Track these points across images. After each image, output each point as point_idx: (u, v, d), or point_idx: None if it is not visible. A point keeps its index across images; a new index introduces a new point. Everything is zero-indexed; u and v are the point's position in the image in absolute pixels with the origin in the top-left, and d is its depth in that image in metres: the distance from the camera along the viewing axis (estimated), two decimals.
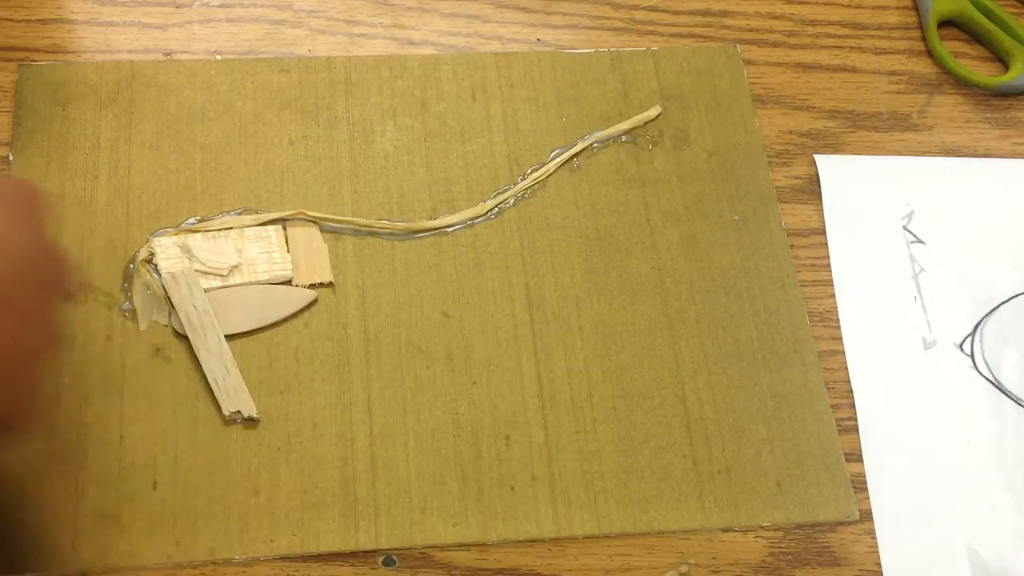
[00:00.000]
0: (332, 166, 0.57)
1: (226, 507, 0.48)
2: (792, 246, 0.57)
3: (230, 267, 0.53)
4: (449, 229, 0.56)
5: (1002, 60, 0.64)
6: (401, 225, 0.55)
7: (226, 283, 0.53)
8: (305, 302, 0.53)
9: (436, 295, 0.54)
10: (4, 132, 0.56)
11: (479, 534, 0.49)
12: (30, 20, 0.59)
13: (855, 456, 0.52)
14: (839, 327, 0.55)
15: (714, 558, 0.50)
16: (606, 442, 0.51)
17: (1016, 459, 0.53)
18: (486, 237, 0.56)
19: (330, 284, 0.54)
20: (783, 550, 0.50)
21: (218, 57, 0.59)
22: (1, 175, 0.49)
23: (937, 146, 0.61)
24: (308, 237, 0.55)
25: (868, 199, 0.59)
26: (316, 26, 0.61)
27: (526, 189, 0.57)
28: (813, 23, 0.65)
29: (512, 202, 0.57)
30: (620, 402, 0.52)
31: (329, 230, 0.55)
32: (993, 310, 0.57)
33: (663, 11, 0.64)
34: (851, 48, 0.64)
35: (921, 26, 0.65)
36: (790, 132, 0.61)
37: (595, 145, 0.59)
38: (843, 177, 0.59)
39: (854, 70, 0.63)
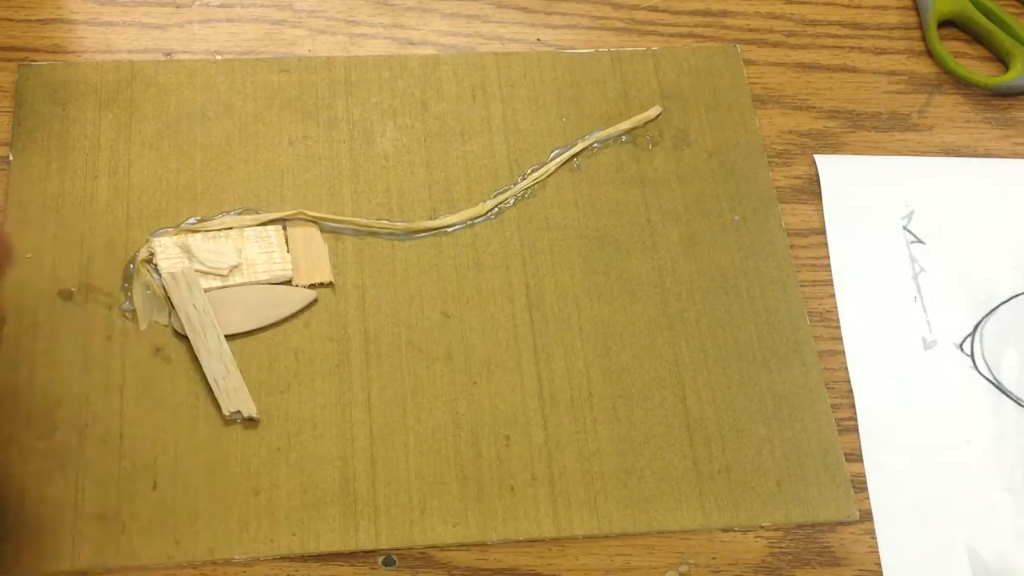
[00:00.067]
0: (332, 166, 0.57)
1: (226, 507, 0.48)
2: (792, 246, 0.57)
3: (230, 267, 0.53)
4: (449, 229, 0.56)
5: (1002, 60, 0.64)
6: (401, 225, 0.55)
7: (226, 283, 0.53)
8: (305, 302, 0.53)
9: (436, 295, 0.54)
10: (4, 132, 0.56)
11: (479, 534, 0.49)
12: (30, 20, 0.59)
13: (855, 456, 0.52)
14: (839, 327, 0.55)
15: (714, 558, 0.50)
16: (606, 442, 0.51)
17: (1016, 459, 0.53)
18: (486, 237, 0.56)
19: (330, 284, 0.54)
20: (783, 550, 0.50)
21: (218, 57, 0.59)
22: None
23: (937, 146, 0.61)
24: (308, 237, 0.55)
25: (868, 199, 0.59)
26: (316, 26, 0.61)
27: (526, 189, 0.57)
28: (813, 23, 0.65)
29: (512, 202, 0.57)
30: (620, 402, 0.52)
31: (329, 230, 0.55)
32: (993, 310, 0.57)
33: (663, 11, 0.64)
34: (851, 48, 0.64)
35: (921, 26, 0.65)
36: (790, 132, 0.61)
37: (595, 145, 0.59)
38: (843, 177, 0.59)
39: (854, 70, 0.63)
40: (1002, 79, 0.62)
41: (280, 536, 0.48)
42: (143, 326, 0.52)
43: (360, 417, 0.51)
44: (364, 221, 0.55)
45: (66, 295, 0.52)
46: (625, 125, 0.59)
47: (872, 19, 0.65)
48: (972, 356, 0.55)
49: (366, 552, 0.48)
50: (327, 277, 0.54)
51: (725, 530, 0.50)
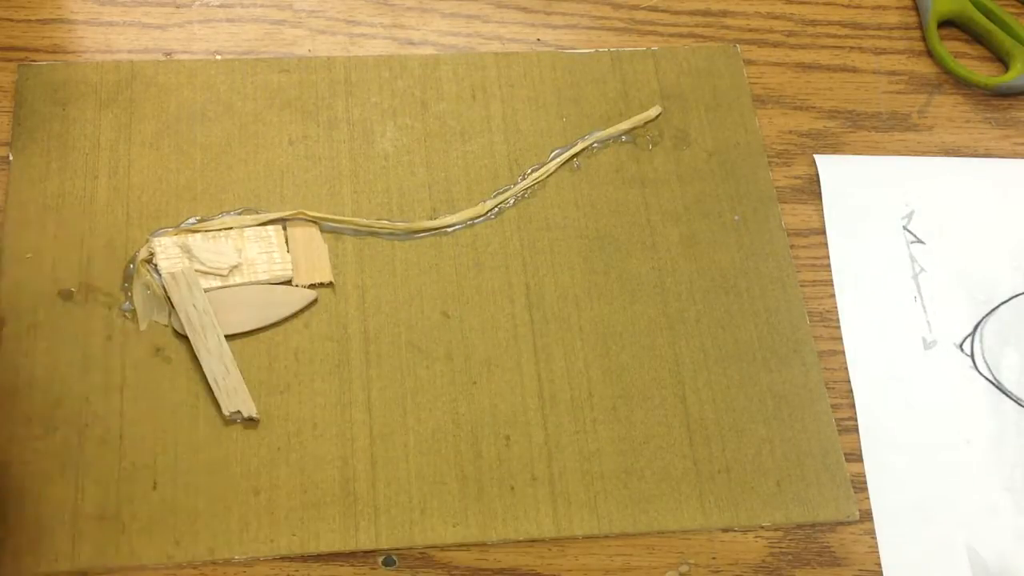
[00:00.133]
0: (332, 166, 0.57)
1: (226, 507, 0.48)
2: (792, 246, 0.57)
3: (230, 267, 0.53)
4: (449, 229, 0.56)
5: (1002, 60, 0.64)
6: (401, 225, 0.55)
7: (226, 283, 0.53)
8: (305, 302, 0.53)
9: (436, 295, 0.54)
10: (4, 132, 0.56)
11: (479, 534, 0.49)
12: (30, 20, 0.59)
13: (855, 456, 0.52)
14: (839, 327, 0.55)
15: (714, 558, 0.50)
16: (606, 442, 0.51)
17: (1016, 459, 0.53)
18: (486, 237, 0.56)
19: (330, 284, 0.54)
20: (783, 550, 0.50)
21: (218, 57, 0.59)
22: None
23: (937, 146, 0.61)
24: (308, 237, 0.55)
25: (868, 199, 0.59)
26: (316, 26, 0.61)
27: (526, 189, 0.57)
28: (813, 23, 0.65)
29: (512, 202, 0.57)
30: (620, 402, 0.52)
31: (329, 230, 0.55)
32: (993, 310, 0.57)
33: (663, 11, 0.64)
34: (851, 48, 0.64)
35: (921, 26, 0.65)
36: (790, 132, 0.61)
37: (595, 145, 0.59)
38: (843, 177, 0.59)
39: (854, 70, 0.63)
40: (1002, 79, 0.62)
41: (280, 536, 0.48)
42: (143, 326, 0.52)
43: (360, 417, 0.51)
44: (364, 221, 0.55)
45: (66, 295, 0.52)
46: (625, 125, 0.59)
47: (872, 19, 0.65)
48: (972, 356, 0.55)
49: (366, 552, 0.48)
50: (327, 277, 0.54)
51: (725, 530, 0.50)
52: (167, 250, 0.53)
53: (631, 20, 0.63)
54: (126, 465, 0.49)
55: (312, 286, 0.54)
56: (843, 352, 0.55)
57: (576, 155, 0.58)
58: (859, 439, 0.53)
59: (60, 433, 0.49)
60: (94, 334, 0.51)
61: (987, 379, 0.55)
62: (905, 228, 0.59)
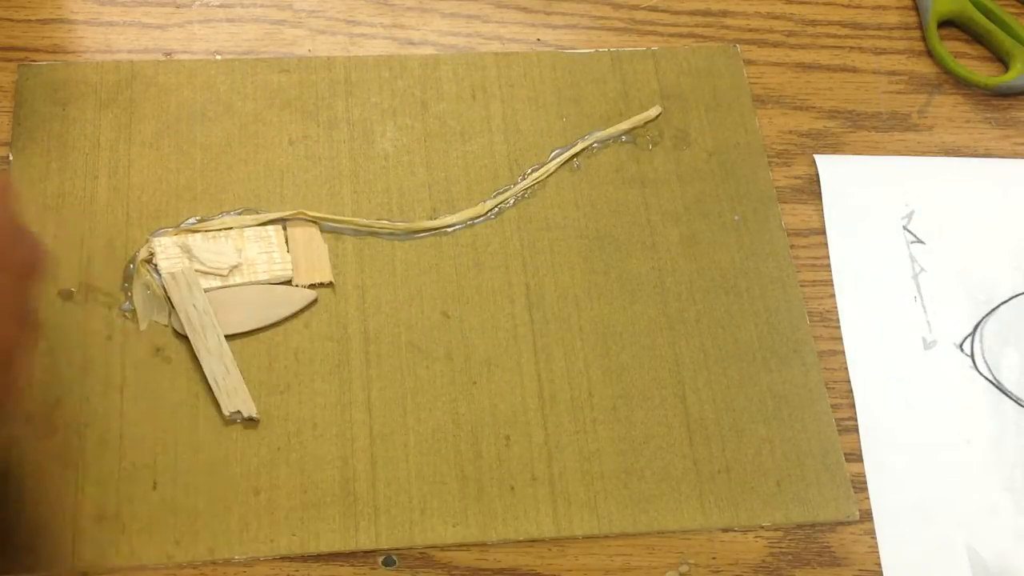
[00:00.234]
0: (332, 166, 0.57)
1: (226, 507, 0.48)
2: (792, 246, 0.57)
3: (230, 267, 0.53)
4: (449, 229, 0.56)
5: (1002, 60, 0.64)
6: (401, 225, 0.55)
7: (226, 283, 0.53)
8: (305, 302, 0.53)
9: (436, 295, 0.54)
10: (4, 132, 0.56)
11: (479, 534, 0.49)
12: (30, 20, 0.59)
13: (855, 456, 0.52)
14: (839, 327, 0.55)
15: (714, 558, 0.50)
16: (606, 442, 0.51)
17: (1016, 459, 0.53)
18: (486, 237, 0.56)
19: (330, 284, 0.54)
20: (783, 550, 0.50)
21: (218, 57, 0.59)
22: None
23: (937, 146, 0.61)
24: (308, 237, 0.55)
25: (868, 199, 0.59)
26: (316, 26, 0.61)
27: (526, 189, 0.57)
28: (813, 23, 0.65)
29: (512, 202, 0.57)
30: (620, 402, 0.52)
31: (329, 230, 0.55)
32: (993, 310, 0.57)
33: (663, 11, 0.64)
34: (851, 48, 0.64)
35: (921, 26, 0.65)
36: (790, 132, 0.61)
37: (595, 145, 0.59)
38: (843, 177, 0.59)
39: (854, 70, 0.63)
40: (1002, 79, 0.62)
41: (280, 536, 0.48)
42: (143, 326, 0.52)
43: (360, 417, 0.51)
44: (364, 221, 0.55)
45: (66, 295, 0.52)
46: (625, 125, 0.59)
47: (872, 19, 0.65)
48: (972, 356, 0.55)
49: (366, 552, 0.48)
50: (327, 277, 0.54)
51: (725, 530, 0.50)
52: (167, 250, 0.53)
53: (631, 20, 0.63)
54: (126, 465, 0.49)
55: (312, 286, 0.54)
56: (843, 352, 0.55)
57: (576, 155, 0.58)
58: (859, 439, 0.53)
59: (60, 433, 0.49)
60: (94, 334, 0.51)
61: (987, 379, 0.55)
62: (905, 228, 0.59)
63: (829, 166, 0.60)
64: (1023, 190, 0.60)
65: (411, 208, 0.56)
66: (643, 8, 0.64)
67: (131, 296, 0.52)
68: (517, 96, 0.60)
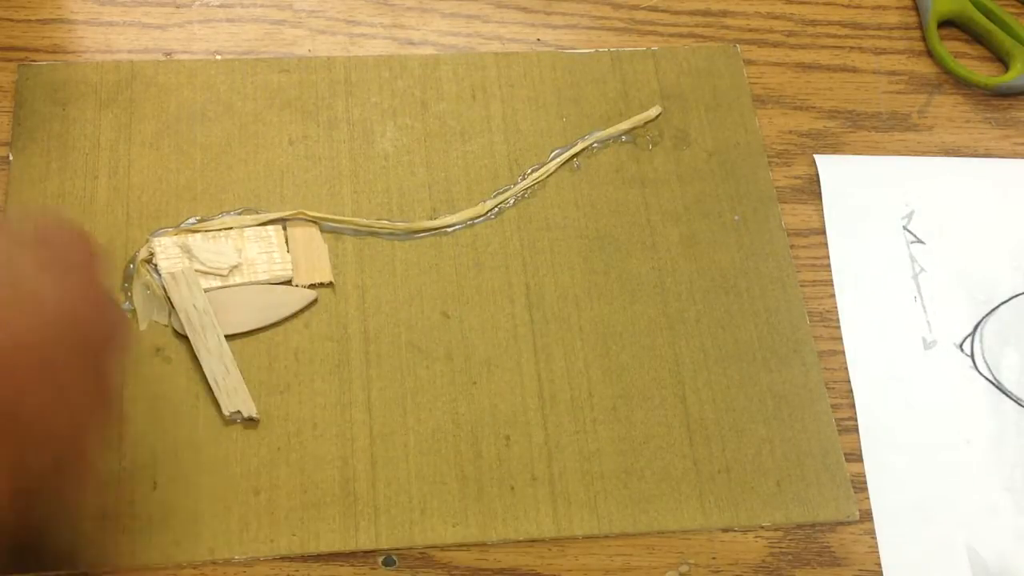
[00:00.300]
0: (332, 166, 0.57)
1: (226, 507, 0.48)
2: (792, 246, 0.57)
3: (230, 267, 0.53)
4: (449, 229, 0.56)
5: (1002, 60, 0.64)
6: (401, 225, 0.55)
7: (226, 283, 0.53)
8: (305, 302, 0.53)
9: (436, 295, 0.54)
10: (4, 132, 0.56)
11: (479, 534, 0.49)
12: (30, 20, 0.59)
13: (855, 456, 0.52)
14: (839, 327, 0.55)
15: (714, 558, 0.50)
16: (606, 442, 0.51)
17: (1016, 459, 0.53)
18: (486, 237, 0.56)
19: (330, 284, 0.54)
20: (783, 550, 0.50)
21: (218, 57, 0.59)
22: (49, 220, 0.43)
23: (937, 146, 0.61)
24: (308, 237, 0.55)
25: (868, 199, 0.59)
26: (316, 26, 0.61)
27: (526, 189, 0.57)
28: (813, 23, 0.65)
29: (512, 202, 0.57)
30: (620, 402, 0.52)
31: (329, 230, 0.55)
32: (993, 310, 0.57)
33: (663, 11, 0.64)
34: (851, 48, 0.64)
35: (921, 26, 0.65)
36: (790, 132, 0.61)
37: (595, 145, 0.59)
38: (843, 177, 0.59)
39: (854, 70, 0.63)
40: (1002, 79, 0.62)
41: (280, 536, 0.48)
42: (143, 326, 0.52)
43: (360, 417, 0.51)
44: (364, 221, 0.55)
45: None
46: (625, 125, 0.59)
47: (872, 19, 0.65)
48: (972, 356, 0.55)
49: (366, 552, 0.48)
50: (327, 277, 0.54)
51: (725, 530, 0.50)
52: (167, 250, 0.53)
53: (631, 20, 0.63)
54: (126, 465, 0.49)
55: (312, 286, 0.54)
56: (843, 352, 0.55)
57: (576, 155, 0.58)
58: (859, 439, 0.53)
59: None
60: None
61: (987, 379, 0.55)
62: (905, 228, 0.59)
63: (829, 166, 0.60)
64: (1023, 190, 0.60)
65: (411, 208, 0.56)
66: (643, 8, 0.64)
67: (131, 296, 0.52)
68: (517, 96, 0.60)
